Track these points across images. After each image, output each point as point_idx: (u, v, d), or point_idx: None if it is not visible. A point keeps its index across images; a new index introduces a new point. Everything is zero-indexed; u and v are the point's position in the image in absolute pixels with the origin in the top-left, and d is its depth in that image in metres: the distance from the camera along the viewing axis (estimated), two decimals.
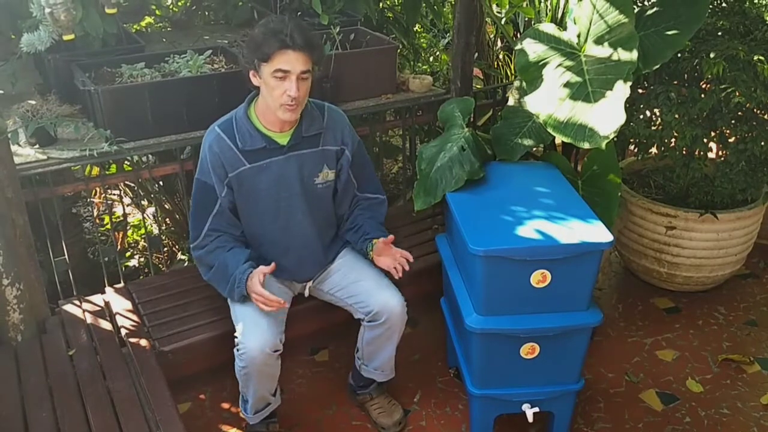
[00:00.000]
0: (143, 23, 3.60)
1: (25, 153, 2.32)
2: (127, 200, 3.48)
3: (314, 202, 2.16)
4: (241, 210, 2.14)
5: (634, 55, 2.14)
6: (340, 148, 2.16)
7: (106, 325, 2.28)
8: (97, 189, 3.10)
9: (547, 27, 2.37)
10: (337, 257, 2.29)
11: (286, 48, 1.88)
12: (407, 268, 2.10)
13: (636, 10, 2.34)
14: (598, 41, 2.24)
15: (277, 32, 1.88)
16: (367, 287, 2.17)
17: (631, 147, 2.87)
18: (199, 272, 2.19)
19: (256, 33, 1.92)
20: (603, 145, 2.04)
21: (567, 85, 2.20)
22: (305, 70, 1.93)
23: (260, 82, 1.98)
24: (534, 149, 2.61)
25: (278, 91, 1.93)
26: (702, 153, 2.69)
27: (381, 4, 3.53)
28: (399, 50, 3.33)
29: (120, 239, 3.58)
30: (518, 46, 2.37)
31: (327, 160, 2.15)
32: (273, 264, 2.03)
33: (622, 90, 2.09)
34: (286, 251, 2.19)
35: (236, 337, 2.03)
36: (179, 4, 3.74)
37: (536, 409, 2.14)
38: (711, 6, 2.65)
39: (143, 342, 2.18)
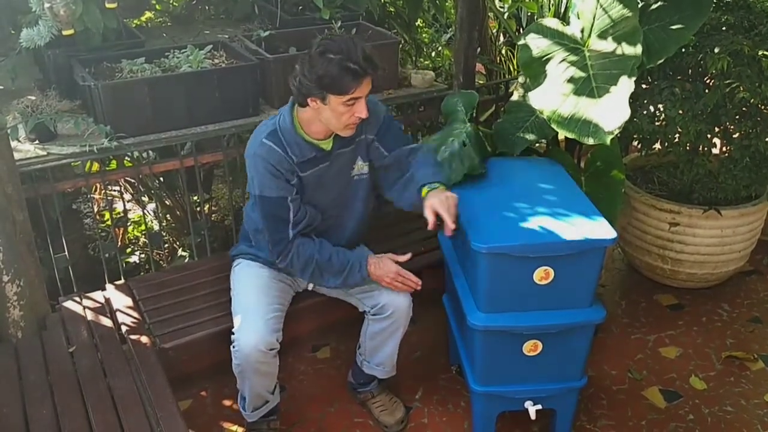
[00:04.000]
0: (143, 18, 3.58)
1: (24, 149, 2.31)
2: (127, 196, 3.47)
3: (350, 194, 2.14)
4: None
5: (638, 49, 2.12)
6: (364, 135, 2.11)
7: (106, 321, 2.27)
8: (98, 185, 3.09)
9: (551, 22, 2.35)
10: None
11: (361, 78, 1.85)
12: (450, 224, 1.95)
13: (640, 5, 2.32)
14: (602, 36, 2.23)
15: (350, 64, 1.81)
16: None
17: (635, 143, 2.86)
18: (202, 266, 2.18)
19: (329, 68, 1.81)
20: (607, 141, 2.03)
21: (571, 80, 2.18)
22: (371, 89, 1.92)
23: (320, 107, 1.91)
24: (537, 145, 2.59)
25: (347, 115, 1.91)
26: (706, 149, 2.67)
27: None
28: (401, 45, 3.31)
29: (120, 235, 3.56)
30: (521, 41, 2.36)
31: (359, 152, 2.11)
32: (409, 255, 2.08)
33: (626, 85, 2.07)
34: None
35: (233, 333, 2.02)
36: None
37: (539, 407, 2.13)
38: (715, 1, 2.63)
39: (144, 339, 2.17)
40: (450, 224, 1.92)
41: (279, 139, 2.00)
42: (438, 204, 1.95)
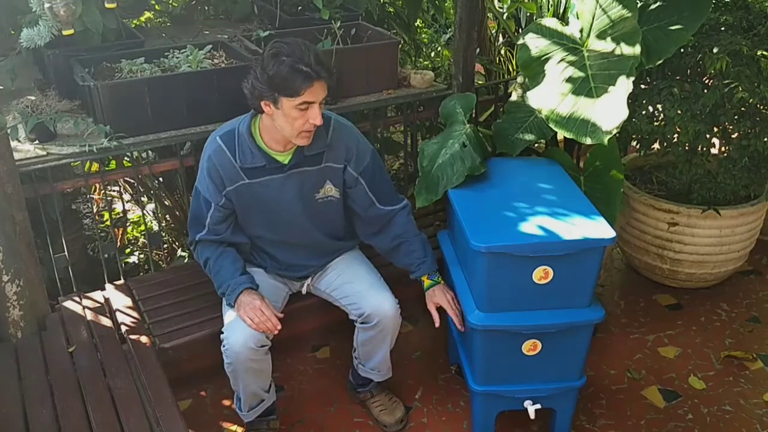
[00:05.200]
0: (143, 18, 3.59)
1: (24, 149, 2.31)
2: (126, 196, 3.47)
3: (316, 215, 2.14)
4: (239, 217, 2.13)
5: (637, 50, 2.12)
6: (344, 165, 2.09)
7: (106, 321, 2.27)
8: (97, 185, 3.09)
9: (550, 22, 2.36)
10: (337, 256, 2.28)
11: (313, 81, 1.84)
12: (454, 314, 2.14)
13: (639, 5, 2.32)
14: (601, 36, 2.23)
15: (302, 66, 1.81)
16: (359, 288, 2.15)
17: (634, 143, 2.86)
18: (200, 266, 2.19)
19: (280, 69, 1.82)
20: (605, 141, 2.03)
21: (569, 80, 2.18)
22: (325, 96, 1.90)
23: (274, 112, 1.90)
24: (536, 145, 2.59)
25: (300, 121, 1.89)
26: (705, 149, 2.67)
27: None
28: (400, 45, 3.31)
29: (120, 236, 3.57)
30: (520, 41, 2.36)
31: (330, 177, 2.09)
32: (281, 315, 2.04)
33: (624, 85, 2.07)
34: (284, 250, 2.19)
35: (222, 333, 2.02)
36: None
37: (538, 406, 2.13)
38: (714, 1, 2.63)
39: (143, 339, 2.18)
40: (459, 326, 2.12)
41: (232, 140, 2.01)
42: (444, 302, 2.13)
